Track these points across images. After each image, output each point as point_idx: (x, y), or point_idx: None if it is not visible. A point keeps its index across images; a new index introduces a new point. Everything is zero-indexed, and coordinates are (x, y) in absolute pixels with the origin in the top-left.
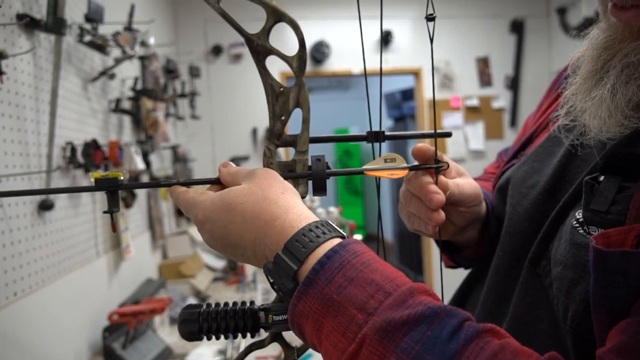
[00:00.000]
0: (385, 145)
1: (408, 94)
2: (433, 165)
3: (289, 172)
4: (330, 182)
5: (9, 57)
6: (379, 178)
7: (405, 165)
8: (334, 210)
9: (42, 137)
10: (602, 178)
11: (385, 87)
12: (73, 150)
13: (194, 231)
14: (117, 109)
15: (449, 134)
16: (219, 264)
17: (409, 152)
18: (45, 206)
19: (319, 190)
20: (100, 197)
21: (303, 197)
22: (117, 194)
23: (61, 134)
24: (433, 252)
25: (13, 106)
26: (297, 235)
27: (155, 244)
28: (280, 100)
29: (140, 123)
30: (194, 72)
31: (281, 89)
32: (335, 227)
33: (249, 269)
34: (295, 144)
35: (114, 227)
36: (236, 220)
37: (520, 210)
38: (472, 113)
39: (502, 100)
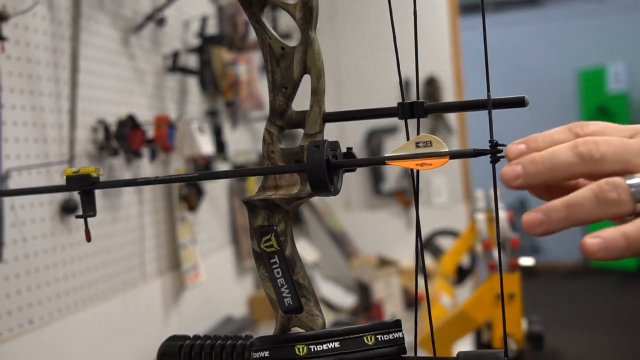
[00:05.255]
0: None
1: None
2: (485, 150)
3: (296, 162)
4: None
5: (16, 14)
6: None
7: (444, 151)
8: (503, 216)
9: (63, 117)
10: None
11: None
12: (107, 131)
13: (304, 245)
14: (176, 67)
15: (519, 100)
16: (346, 299)
17: None
18: (69, 208)
19: (319, 188)
20: (151, 196)
21: (307, 197)
22: (92, 194)
23: (91, 109)
24: None
25: (25, 78)
26: None
27: (242, 266)
28: (283, 64)
29: (210, 85)
30: None
31: (283, 50)
32: None
33: (388, 310)
34: (304, 124)
35: (88, 235)
36: None
37: None
38: None
39: None
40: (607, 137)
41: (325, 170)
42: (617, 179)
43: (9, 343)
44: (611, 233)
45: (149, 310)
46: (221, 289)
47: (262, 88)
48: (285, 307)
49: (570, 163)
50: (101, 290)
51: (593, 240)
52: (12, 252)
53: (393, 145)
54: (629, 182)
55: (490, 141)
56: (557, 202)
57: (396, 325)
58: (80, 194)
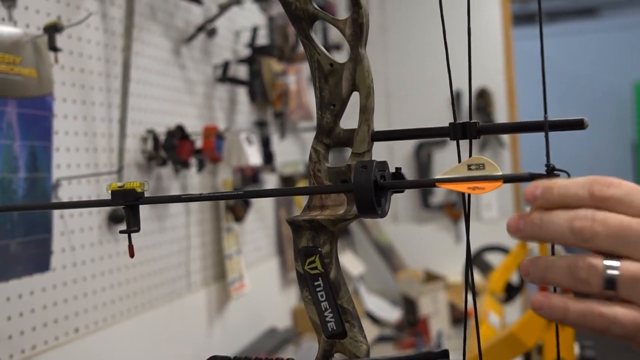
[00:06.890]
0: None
1: None
2: (542, 174)
3: (343, 182)
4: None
5: (70, 25)
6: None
7: (497, 174)
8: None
9: (114, 126)
10: None
11: None
12: (156, 141)
13: (350, 257)
14: (225, 77)
15: (578, 122)
16: (392, 314)
17: None
18: (117, 218)
19: (365, 210)
20: (198, 206)
21: (353, 218)
22: (137, 209)
23: (141, 119)
24: None
25: (78, 88)
26: None
27: (287, 277)
28: (331, 81)
29: (259, 95)
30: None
31: (331, 66)
32: None
33: (434, 326)
34: (352, 142)
35: (132, 250)
36: None
37: None
38: None
39: None
40: (608, 215)
41: (372, 191)
42: (595, 261)
43: (55, 351)
44: (557, 301)
45: (193, 320)
46: (266, 300)
47: (311, 98)
48: (329, 332)
49: (562, 234)
50: (147, 300)
51: (541, 298)
52: (60, 260)
53: (442, 158)
54: (606, 263)
55: (546, 165)
56: (542, 259)
57: (444, 355)
58: (125, 208)
